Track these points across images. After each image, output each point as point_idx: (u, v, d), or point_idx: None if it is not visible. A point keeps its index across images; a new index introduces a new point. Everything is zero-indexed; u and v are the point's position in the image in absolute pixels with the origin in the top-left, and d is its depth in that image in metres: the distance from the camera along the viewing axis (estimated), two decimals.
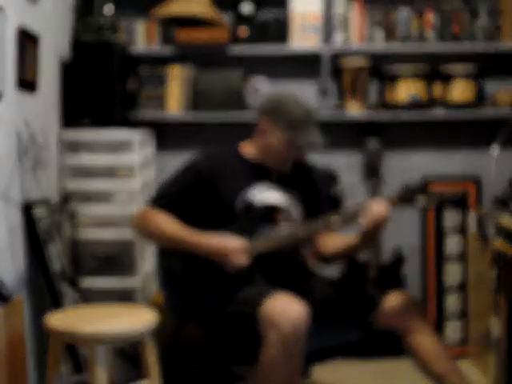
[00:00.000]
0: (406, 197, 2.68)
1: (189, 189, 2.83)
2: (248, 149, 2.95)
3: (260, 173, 2.88)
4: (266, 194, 2.83)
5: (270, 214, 2.81)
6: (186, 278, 2.76)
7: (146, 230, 2.85)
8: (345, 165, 4.24)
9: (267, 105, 2.89)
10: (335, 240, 2.90)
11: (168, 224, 2.76)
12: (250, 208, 2.79)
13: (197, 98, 4.05)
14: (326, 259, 2.98)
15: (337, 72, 4.14)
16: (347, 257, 2.92)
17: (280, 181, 2.89)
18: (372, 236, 2.72)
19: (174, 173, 2.90)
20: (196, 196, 2.82)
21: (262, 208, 2.80)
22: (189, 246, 2.72)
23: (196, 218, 2.82)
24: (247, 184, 2.83)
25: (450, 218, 4.20)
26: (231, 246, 2.67)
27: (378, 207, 2.65)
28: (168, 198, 2.84)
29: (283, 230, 2.77)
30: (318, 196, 3.00)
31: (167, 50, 4.06)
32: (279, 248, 2.74)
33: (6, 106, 2.88)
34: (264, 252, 2.72)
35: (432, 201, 2.69)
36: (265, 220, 2.80)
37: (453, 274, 4.18)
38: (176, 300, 2.81)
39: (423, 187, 2.70)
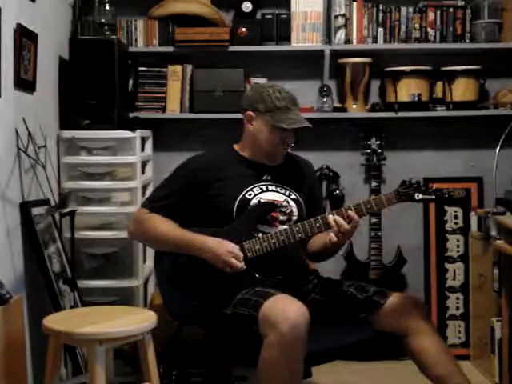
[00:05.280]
0: (405, 193, 2.66)
1: (183, 191, 2.82)
2: (240, 149, 2.93)
3: (255, 171, 2.86)
4: (262, 194, 2.81)
5: (266, 213, 2.78)
6: (184, 281, 2.74)
7: (140, 234, 2.85)
8: (345, 165, 4.23)
9: (247, 97, 2.90)
10: (317, 239, 2.89)
11: (162, 227, 2.76)
12: (246, 208, 2.77)
13: (197, 98, 4.04)
14: (312, 258, 2.97)
15: (338, 71, 4.14)
16: (326, 255, 2.90)
17: (277, 178, 2.87)
18: (345, 236, 2.70)
19: (168, 175, 2.90)
20: (190, 198, 2.81)
21: (258, 208, 2.78)
22: (183, 250, 2.72)
23: (191, 219, 2.81)
24: (243, 184, 2.82)
25: (452, 218, 4.19)
26: (225, 252, 2.65)
27: (340, 221, 2.64)
28: (162, 200, 2.83)
29: (280, 230, 2.75)
30: (313, 192, 2.99)
31: (167, 50, 4.04)
32: (277, 248, 2.72)
33: (4, 104, 2.86)
34: (262, 253, 2.70)
35: (433, 196, 2.67)
36: (262, 220, 2.78)
37: (455, 274, 4.17)
38: (175, 303, 2.78)
39: (420, 184, 2.67)
